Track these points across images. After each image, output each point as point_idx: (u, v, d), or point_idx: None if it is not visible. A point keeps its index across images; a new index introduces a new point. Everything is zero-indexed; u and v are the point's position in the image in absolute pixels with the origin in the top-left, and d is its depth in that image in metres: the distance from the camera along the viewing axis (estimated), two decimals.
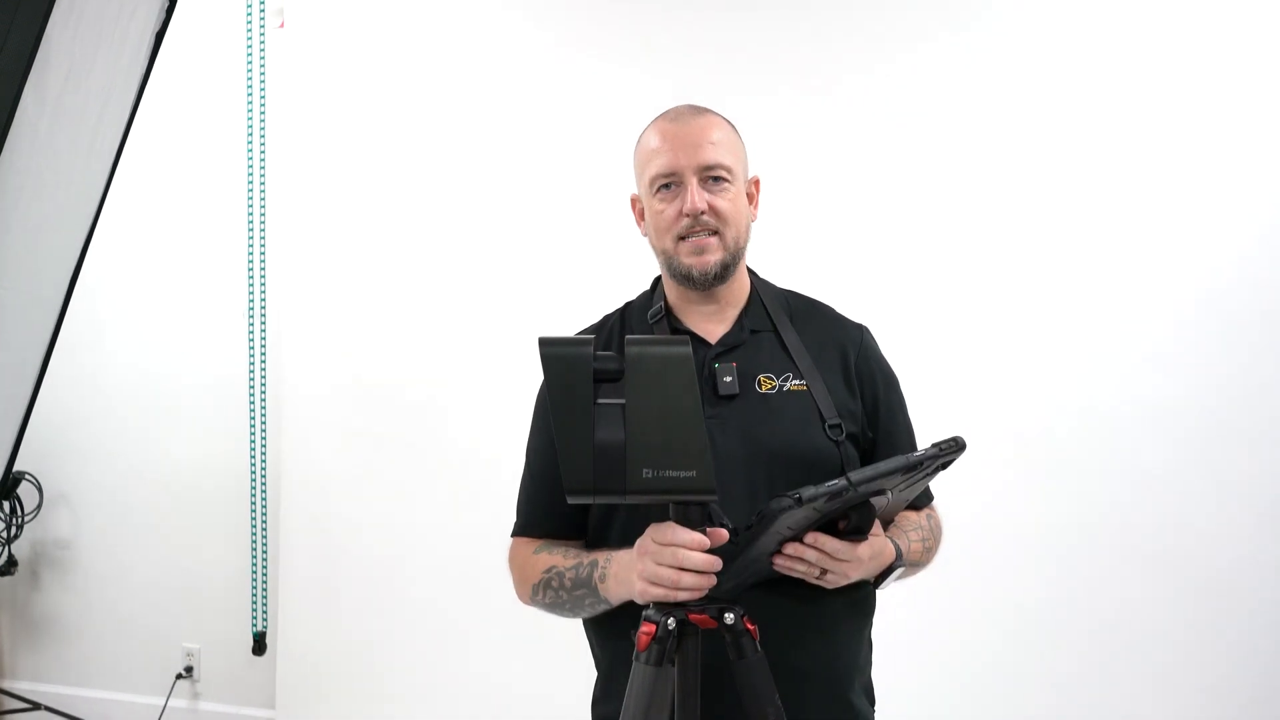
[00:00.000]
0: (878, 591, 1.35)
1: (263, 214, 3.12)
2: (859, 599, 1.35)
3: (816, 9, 2.67)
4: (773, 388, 1.35)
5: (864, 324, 1.48)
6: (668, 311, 1.41)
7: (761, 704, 1.10)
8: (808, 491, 1.08)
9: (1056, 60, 2.51)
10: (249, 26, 3.06)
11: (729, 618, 1.11)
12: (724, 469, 1.29)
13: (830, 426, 1.33)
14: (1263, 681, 2.40)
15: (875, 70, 2.62)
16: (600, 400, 1.04)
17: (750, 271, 1.46)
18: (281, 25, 3.05)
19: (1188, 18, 2.43)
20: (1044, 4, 2.52)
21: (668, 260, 1.38)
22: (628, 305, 1.49)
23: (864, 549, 1.21)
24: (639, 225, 1.45)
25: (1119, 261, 2.47)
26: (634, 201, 1.45)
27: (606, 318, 1.49)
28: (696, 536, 1.10)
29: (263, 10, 3.04)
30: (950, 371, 2.50)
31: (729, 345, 1.38)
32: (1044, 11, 2.52)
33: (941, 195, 2.57)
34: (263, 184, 3.11)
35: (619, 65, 2.79)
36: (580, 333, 1.47)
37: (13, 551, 3.33)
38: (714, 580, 1.11)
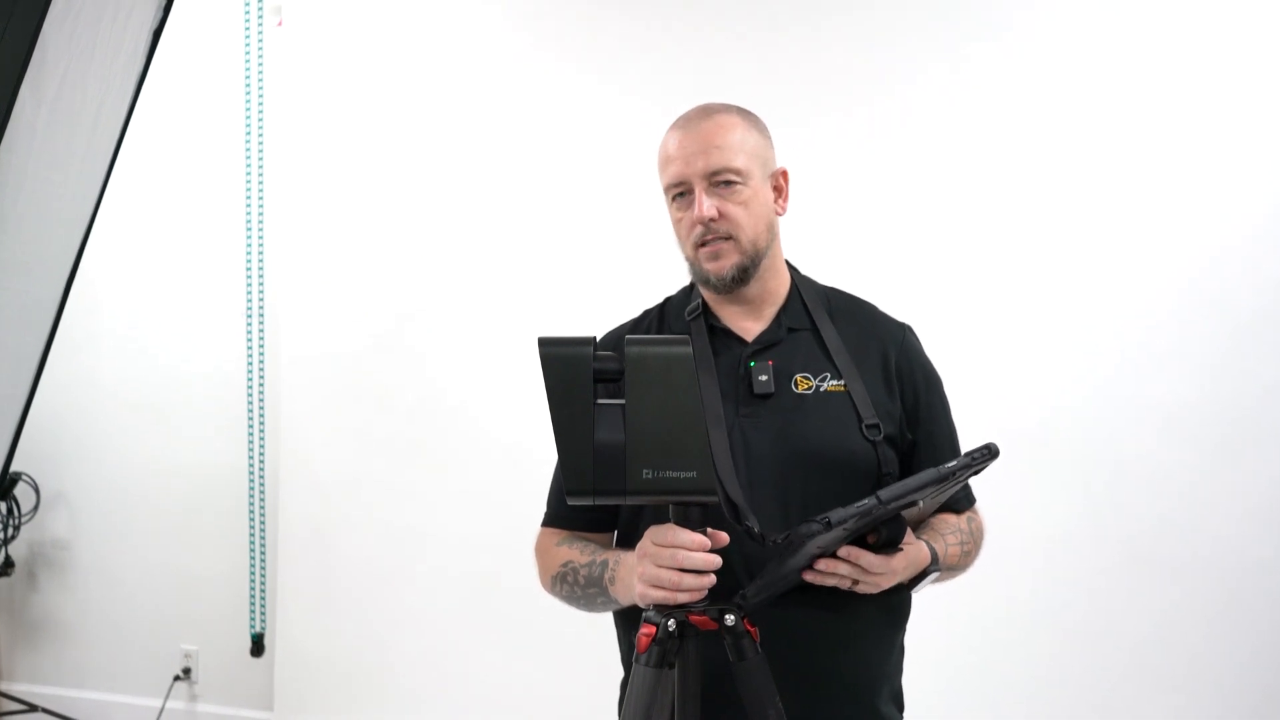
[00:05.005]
0: (912, 594, 1.33)
1: (261, 213, 3.12)
2: (893, 605, 1.33)
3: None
4: (809, 388, 1.33)
5: (907, 323, 1.45)
6: (705, 309, 1.40)
7: (763, 706, 1.09)
8: (837, 515, 1.09)
9: (1080, 71, 2.49)
10: (247, 25, 3.06)
11: (729, 619, 1.10)
12: (755, 470, 1.28)
13: (868, 427, 1.31)
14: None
15: (895, 78, 2.61)
16: (600, 400, 1.04)
17: (791, 268, 1.44)
18: (280, 23, 3.04)
19: (1223, 27, 2.42)
20: (1077, 13, 2.50)
21: (690, 265, 1.39)
22: (667, 301, 1.48)
23: (899, 560, 1.21)
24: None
25: (1126, 263, 2.46)
26: None
27: (646, 313, 1.48)
28: (696, 537, 1.09)
29: (261, 8, 3.04)
30: (962, 374, 2.49)
31: (765, 343, 1.36)
32: (1076, 20, 2.50)
33: (947, 198, 2.57)
34: (261, 183, 3.11)
35: (615, 63, 2.78)
36: (619, 327, 1.46)
37: (9, 552, 3.32)
38: (714, 580, 1.10)
